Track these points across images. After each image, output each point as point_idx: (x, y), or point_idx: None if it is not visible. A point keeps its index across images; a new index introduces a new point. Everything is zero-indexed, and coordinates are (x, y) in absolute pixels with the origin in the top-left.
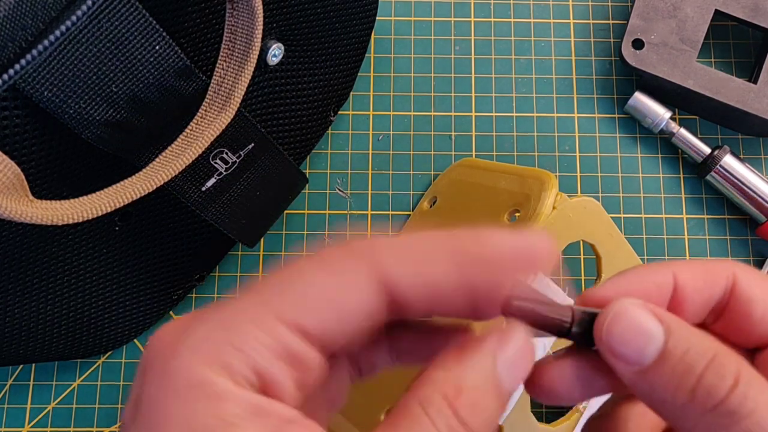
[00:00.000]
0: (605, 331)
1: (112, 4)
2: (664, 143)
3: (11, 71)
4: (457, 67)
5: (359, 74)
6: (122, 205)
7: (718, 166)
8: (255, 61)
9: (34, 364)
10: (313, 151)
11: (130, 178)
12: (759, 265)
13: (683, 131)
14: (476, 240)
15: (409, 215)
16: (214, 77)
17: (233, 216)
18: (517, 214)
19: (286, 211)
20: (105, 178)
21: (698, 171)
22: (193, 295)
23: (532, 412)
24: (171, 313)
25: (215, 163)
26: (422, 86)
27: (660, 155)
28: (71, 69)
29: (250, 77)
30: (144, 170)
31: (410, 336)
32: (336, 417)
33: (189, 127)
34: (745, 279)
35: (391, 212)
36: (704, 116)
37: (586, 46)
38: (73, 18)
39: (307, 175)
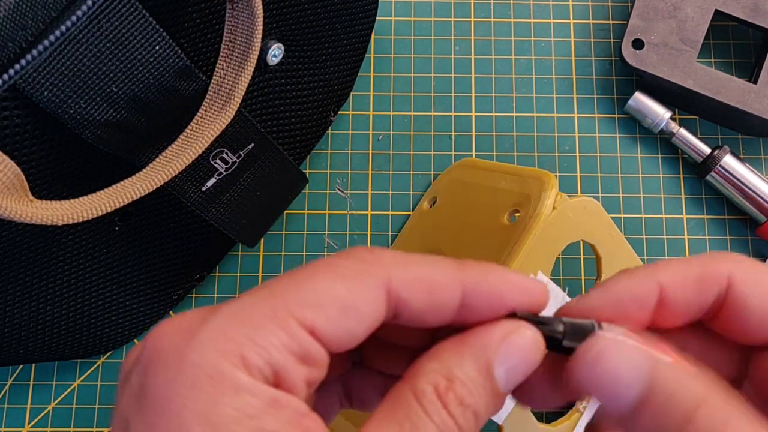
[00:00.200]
0: (585, 374)
1: (112, 5)
2: (664, 143)
3: (11, 71)
4: (457, 67)
5: (359, 74)
6: (122, 205)
7: (718, 166)
8: (255, 61)
9: (34, 364)
10: (313, 151)
11: (130, 178)
12: None
13: (683, 131)
14: (483, 273)
15: (409, 215)
16: (214, 77)
17: (233, 216)
18: (517, 214)
19: (286, 211)
20: (105, 178)
21: (698, 171)
22: (193, 295)
23: (532, 412)
24: (171, 313)
25: (215, 163)
26: (422, 86)
27: (660, 155)
28: (71, 69)
29: (250, 77)
30: (144, 170)
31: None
32: (336, 417)
33: (189, 127)
34: (741, 280)
35: (391, 212)
36: (704, 116)
37: (586, 46)
38: (73, 18)
39: (307, 175)
